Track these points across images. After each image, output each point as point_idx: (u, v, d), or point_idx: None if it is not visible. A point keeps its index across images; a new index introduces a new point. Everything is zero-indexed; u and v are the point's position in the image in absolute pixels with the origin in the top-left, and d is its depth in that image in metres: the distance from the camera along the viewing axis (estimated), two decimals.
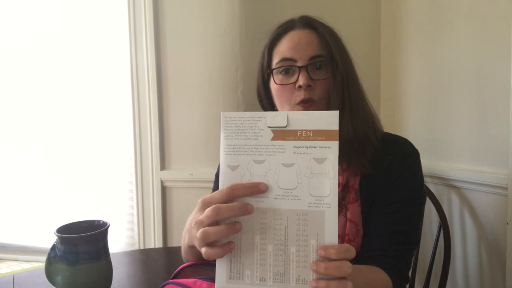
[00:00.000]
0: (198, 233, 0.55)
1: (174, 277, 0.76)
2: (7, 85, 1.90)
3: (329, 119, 0.55)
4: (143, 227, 1.75)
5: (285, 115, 0.56)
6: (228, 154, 0.57)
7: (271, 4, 1.66)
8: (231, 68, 1.65)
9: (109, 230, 0.80)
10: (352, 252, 0.53)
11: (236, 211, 0.54)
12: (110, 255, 0.81)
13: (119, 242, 1.78)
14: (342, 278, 0.52)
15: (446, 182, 1.48)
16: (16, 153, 1.93)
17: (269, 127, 0.56)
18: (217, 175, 1.06)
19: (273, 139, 0.56)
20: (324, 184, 0.54)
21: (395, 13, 1.72)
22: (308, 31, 0.90)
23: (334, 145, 0.54)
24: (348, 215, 0.89)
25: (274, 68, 0.91)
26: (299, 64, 0.87)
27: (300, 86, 0.86)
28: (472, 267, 1.42)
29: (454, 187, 1.46)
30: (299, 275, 0.54)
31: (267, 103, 0.99)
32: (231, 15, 1.63)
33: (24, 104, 1.89)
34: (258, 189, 0.55)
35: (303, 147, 0.55)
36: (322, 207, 0.54)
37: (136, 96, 1.71)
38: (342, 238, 0.90)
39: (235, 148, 0.57)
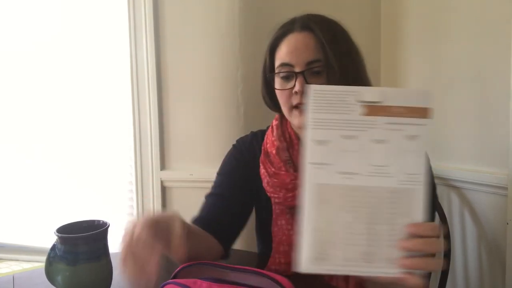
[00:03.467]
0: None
1: (174, 277, 0.76)
2: (6, 85, 1.90)
3: (423, 97, 0.53)
4: None
5: (378, 91, 0.54)
6: (316, 128, 0.54)
7: (271, 4, 1.65)
8: (231, 68, 1.65)
9: (109, 230, 0.80)
10: (438, 231, 0.53)
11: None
12: (110, 255, 0.81)
13: (119, 242, 1.77)
14: (431, 255, 0.52)
15: (446, 182, 1.48)
16: (16, 153, 1.92)
17: (360, 101, 0.54)
18: (218, 174, 1.07)
19: (364, 114, 0.54)
20: (416, 161, 0.53)
21: (395, 12, 1.72)
22: (305, 34, 0.89)
23: (428, 123, 0.53)
24: None
25: (275, 73, 0.92)
26: (296, 69, 0.87)
27: (296, 92, 0.86)
28: (472, 267, 1.42)
29: (454, 187, 1.46)
30: (387, 254, 0.52)
31: (271, 103, 1.00)
32: (231, 15, 1.63)
33: (24, 104, 1.88)
34: None
35: (396, 123, 0.54)
36: (413, 184, 0.53)
37: (136, 96, 1.71)
38: None
39: (324, 122, 0.54)
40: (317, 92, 0.55)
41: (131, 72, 1.70)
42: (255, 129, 1.11)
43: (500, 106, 1.29)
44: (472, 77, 1.39)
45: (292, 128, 0.99)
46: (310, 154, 0.54)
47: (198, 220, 0.98)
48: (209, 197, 1.03)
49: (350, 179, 0.53)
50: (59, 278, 0.76)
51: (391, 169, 0.53)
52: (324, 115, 0.54)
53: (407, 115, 0.53)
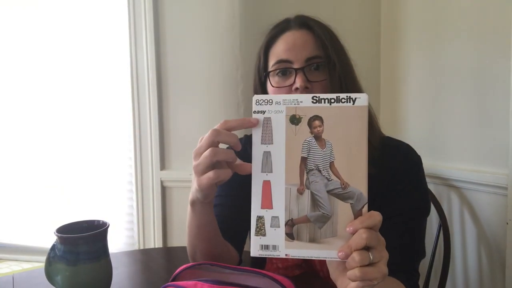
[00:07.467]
0: (206, 152, 0.67)
1: (174, 279, 0.75)
2: (8, 86, 1.90)
3: None
4: (143, 227, 1.75)
5: None
6: None
7: (271, 4, 1.65)
8: (231, 68, 1.65)
9: (109, 230, 0.80)
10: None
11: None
12: (110, 255, 0.81)
13: (119, 242, 1.78)
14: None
15: (446, 182, 1.48)
16: (15, 152, 1.93)
17: None
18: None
19: None
20: None
21: (395, 13, 1.72)
22: (304, 31, 0.88)
23: None
24: None
25: (271, 71, 0.89)
26: (295, 66, 0.86)
27: (297, 88, 0.85)
28: (472, 267, 1.42)
29: (454, 187, 1.46)
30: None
31: None
32: (231, 15, 1.63)
33: (24, 104, 1.88)
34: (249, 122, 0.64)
35: None
36: None
37: (136, 95, 1.71)
38: None
39: None
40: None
41: (131, 72, 1.70)
42: None
43: (500, 106, 1.29)
44: (472, 77, 1.39)
45: None
46: None
47: None
48: (214, 208, 1.03)
49: None
50: (58, 278, 0.76)
51: None
52: None
53: None
